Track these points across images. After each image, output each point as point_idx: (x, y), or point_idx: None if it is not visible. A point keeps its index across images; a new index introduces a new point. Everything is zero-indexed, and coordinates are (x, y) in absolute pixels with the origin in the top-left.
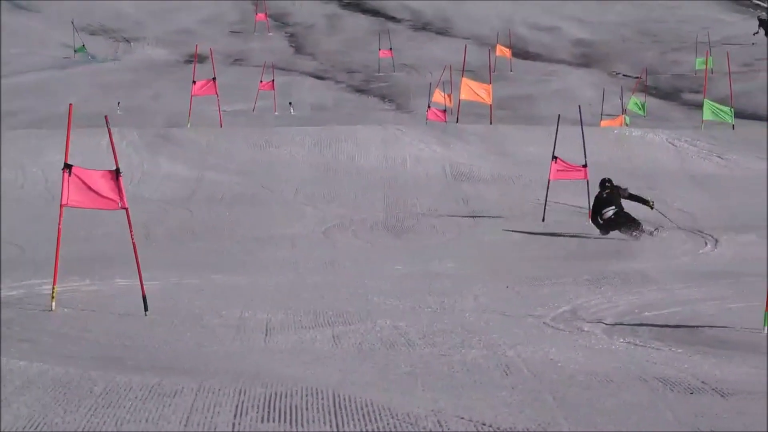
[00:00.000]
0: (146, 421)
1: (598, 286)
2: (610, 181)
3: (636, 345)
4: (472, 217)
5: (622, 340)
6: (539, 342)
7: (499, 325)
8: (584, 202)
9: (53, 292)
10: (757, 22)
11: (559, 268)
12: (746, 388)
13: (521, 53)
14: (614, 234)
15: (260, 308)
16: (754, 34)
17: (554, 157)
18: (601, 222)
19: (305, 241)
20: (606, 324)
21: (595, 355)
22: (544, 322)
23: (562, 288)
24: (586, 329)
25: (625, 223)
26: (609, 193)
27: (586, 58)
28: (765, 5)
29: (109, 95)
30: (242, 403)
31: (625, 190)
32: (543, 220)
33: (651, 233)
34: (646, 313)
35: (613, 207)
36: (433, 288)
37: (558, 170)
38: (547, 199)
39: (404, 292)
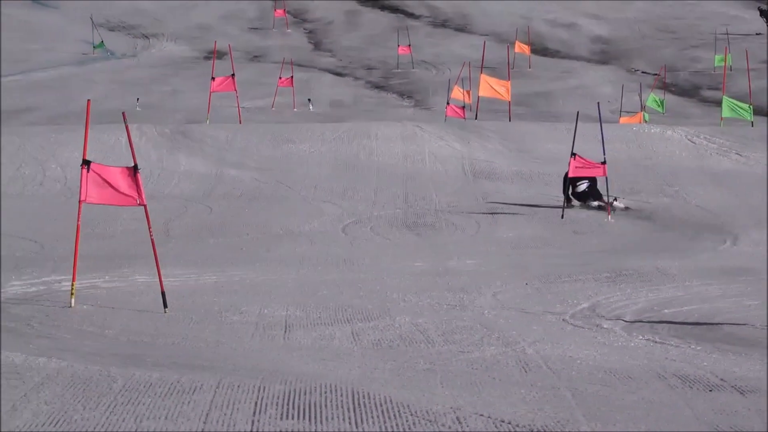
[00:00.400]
0: (165, 418)
1: (617, 282)
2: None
3: (655, 342)
4: (491, 213)
5: (641, 338)
6: (558, 339)
7: (518, 322)
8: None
9: (72, 289)
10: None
11: (578, 264)
12: (766, 386)
13: (540, 50)
14: (633, 230)
15: (279, 305)
16: None
17: (573, 154)
18: (572, 193)
19: (324, 238)
20: (625, 321)
21: (615, 353)
22: (563, 319)
23: (581, 285)
24: (605, 326)
25: (595, 195)
26: None
27: (605, 55)
28: None
29: (127, 92)
30: (261, 400)
31: None
32: (562, 217)
33: (611, 204)
34: (665, 310)
35: (587, 181)
36: (452, 285)
37: (577, 167)
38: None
39: (423, 288)
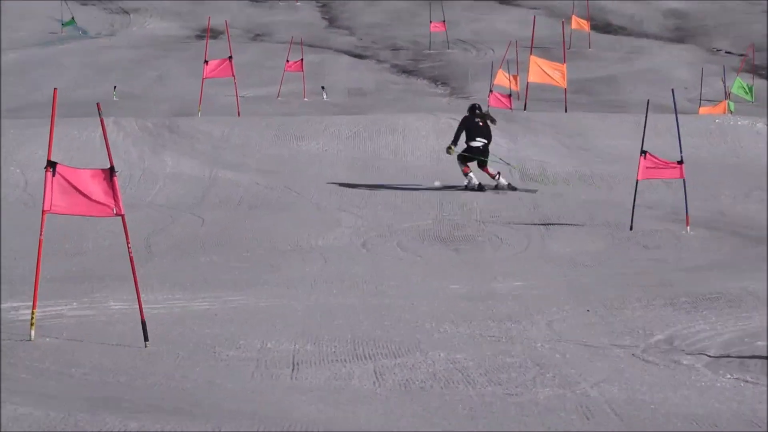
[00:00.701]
0: None
1: (698, 309)
2: (480, 107)
3: (746, 382)
4: (544, 224)
5: (729, 376)
6: (628, 378)
7: (579, 357)
8: (680, 205)
9: (32, 318)
10: None
11: (650, 286)
12: None
13: (602, 26)
14: (717, 245)
15: (286, 337)
16: None
17: (643, 152)
18: (466, 146)
19: (340, 255)
20: (709, 356)
21: (697, 395)
22: (633, 354)
23: (654, 311)
24: (685, 363)
25: (486, 157)
26: (483, 124)
27: (681, 32)
28: None
29: (103, 78)
30: None
31: (494, 120)
32: (630, 228)
33: (495, 177)
34: (759, 343)
35: (486, 141)
36: (496, 312)
37: (648, 168)
38: (636, 203)
39: (461, 317)
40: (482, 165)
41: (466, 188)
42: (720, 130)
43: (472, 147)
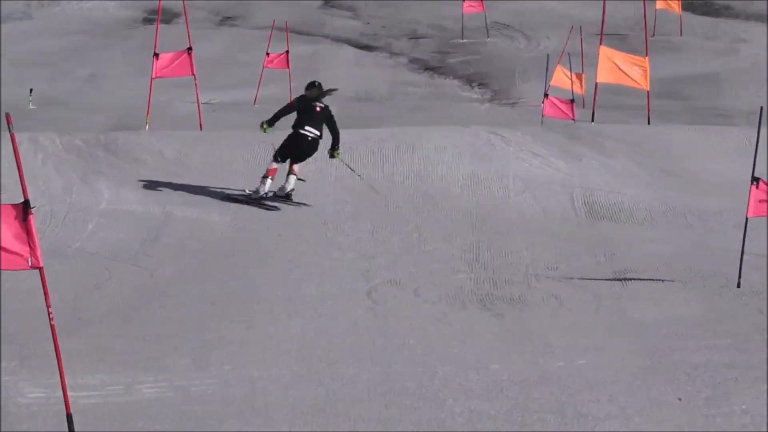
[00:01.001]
0: None
1: None
2: (320, 85)
3: None
4: (620, 280)
5: None
6: None
7: None
8: None
9: None
10: None
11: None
12: None
13: (697, 6)
14: None
15: (267, 425)
16: None
17: (755, 180)
18: (290, 134)
19: (338, 308)
20: None
21: None
22: None
23: None
24: None
25: (308, 157)
26: (321, 111)
27: None
28: None
29: (15, 78)
30: None
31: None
32: (738, 285)
33: (290, 175)
34: None
35: (318, 134)
36: (554, 401)
37: (761, 201)
38: (745, 251)
39: (506, 407)
40: (300, 157)
41: (249, 197)
42: None
43: (299, 135)
